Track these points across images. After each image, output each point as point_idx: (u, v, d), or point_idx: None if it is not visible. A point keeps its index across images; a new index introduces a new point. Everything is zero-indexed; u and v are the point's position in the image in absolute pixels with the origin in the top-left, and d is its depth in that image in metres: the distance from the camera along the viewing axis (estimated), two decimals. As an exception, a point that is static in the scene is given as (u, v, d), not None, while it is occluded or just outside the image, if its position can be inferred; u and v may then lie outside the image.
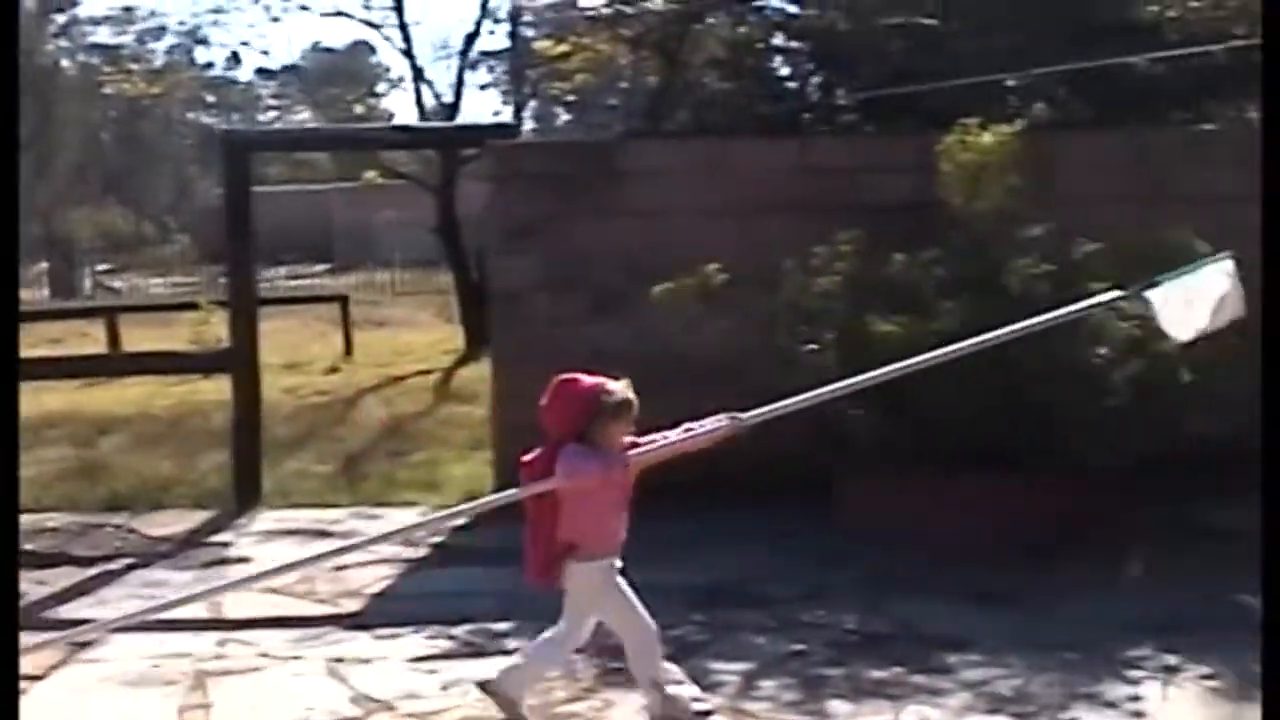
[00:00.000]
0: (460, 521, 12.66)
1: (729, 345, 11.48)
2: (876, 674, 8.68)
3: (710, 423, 7.33)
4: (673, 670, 8.02)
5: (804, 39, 16.33)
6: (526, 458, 7.42)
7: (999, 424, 10.73)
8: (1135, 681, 8.50)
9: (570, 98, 24.86)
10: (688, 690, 7.97)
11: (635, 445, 7.42)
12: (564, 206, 13.25)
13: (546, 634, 7.85)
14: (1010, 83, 14.58)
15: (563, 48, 20.02)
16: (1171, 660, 8.86)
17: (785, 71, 16.79)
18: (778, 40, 16.76)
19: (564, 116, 46.66)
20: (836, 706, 8.18)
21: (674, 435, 7.40)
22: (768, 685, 8.56)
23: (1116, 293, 7.09)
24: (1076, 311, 7.20)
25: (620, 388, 7.43)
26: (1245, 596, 10.05)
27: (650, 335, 12.50)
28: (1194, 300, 6.94)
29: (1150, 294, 7.03)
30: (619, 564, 7.61)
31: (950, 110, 12.07)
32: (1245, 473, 11.69)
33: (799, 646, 9.19)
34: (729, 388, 12.48)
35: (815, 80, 16.38)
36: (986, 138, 11.40)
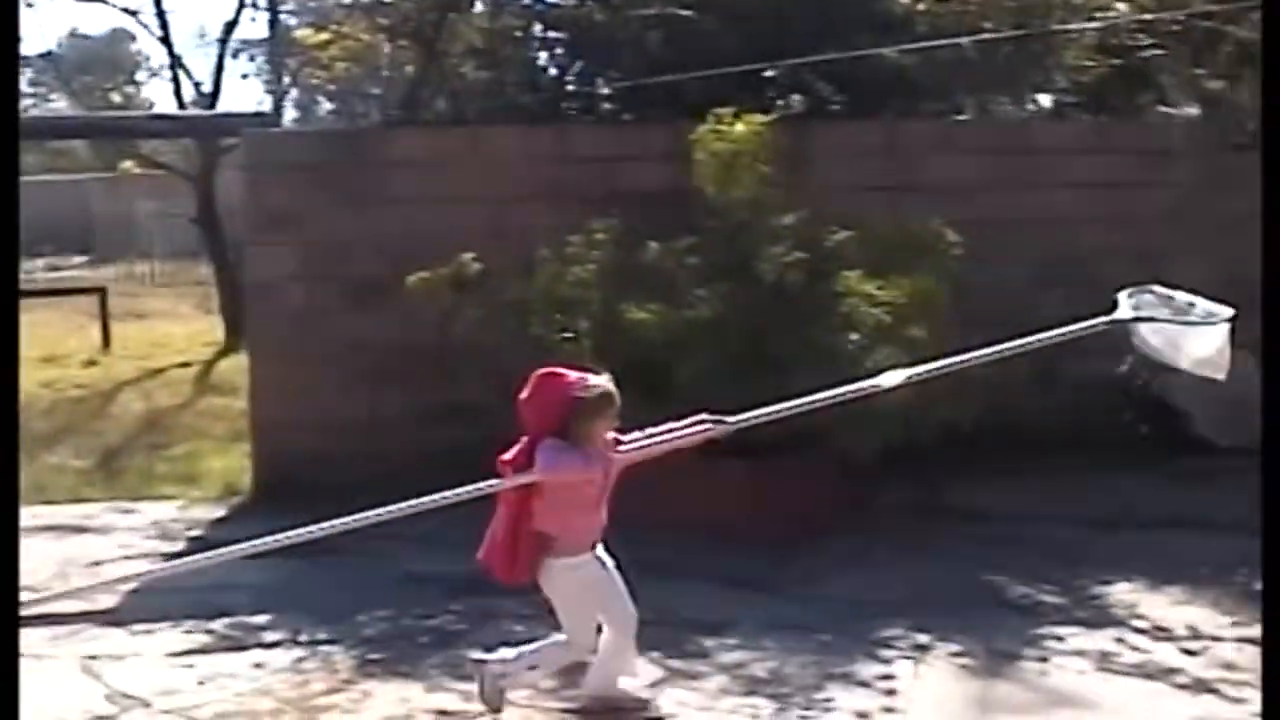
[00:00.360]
0: (221, 514, 12.61)
1: (484, 334, 11.47)
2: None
3: (693, 425, 7.41)
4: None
5: (562, 28, 16.35)
6: (505, 456, 7.29)
7: (756, 408, 10.85)
8: (887, 661, 8.67)
9: (331, 87, 24.60)
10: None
11: (618, 441, 7.39)
12: (321, 196, 13.16)
13: (552, 639, 7.82)
14: (769, 73, 14.72)
15: (322, 36, 19.88)
16: (923, 639, 9.05)
17: (543, 61, 16.81)
18: (536, 30, 16.77)
19: (326, 106, 46.23)
20: (595, 692, 8.23)
21: (658, 434, 7.43)
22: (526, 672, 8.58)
23: (1109, 317, 7.03)
24: (1074, 331, 7.15)
25: (601, 383, 7.36)
26: (994, 575, 10.32)
27: (407, 325, 12.47)
28: (1184, 342, 6.89)
29: (1143, 326, 6.96)
30: (595, 559, 7.60)
31: (707, 100, 12.17)
32: (994, 455, 12.03)
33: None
34: (484, 377, 12.57)
35: (573, 70, 16.41)
36: (739, 127, 11.51)
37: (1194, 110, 15.95)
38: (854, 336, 10.93)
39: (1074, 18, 14.76)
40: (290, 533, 7.04)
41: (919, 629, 9.18)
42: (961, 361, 7.27)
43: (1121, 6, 14.79)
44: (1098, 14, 14.78)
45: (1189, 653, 8.89)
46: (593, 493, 7.37)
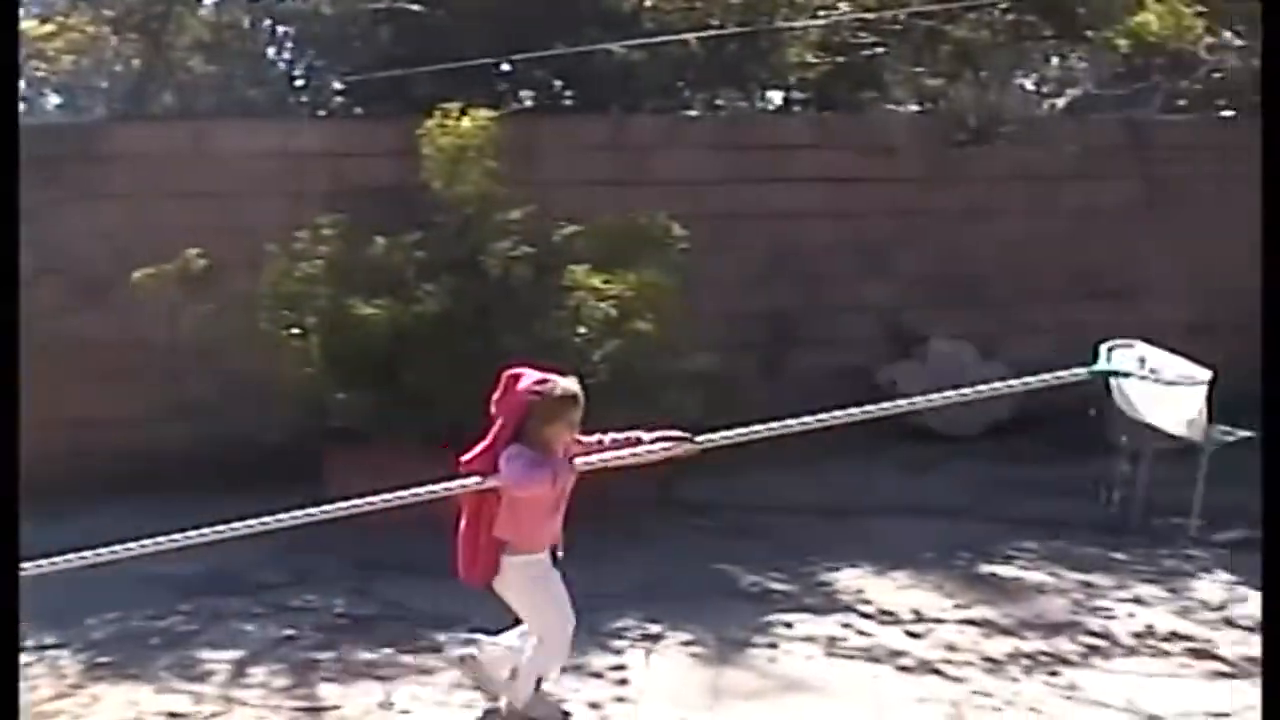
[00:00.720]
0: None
1: (212, 331, 11.32)
2: (367, 655, 8.76)
3: (658, 440, 7.09)
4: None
5: (291, 22, 16.20)
6: (465, 457, 7.10)
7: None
8: (619, 651, 8.74)
9: (57, 80, 24.01)
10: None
11: (580, 444, 7.19)
12: (44, 192, 12.87)
13: (530, 645, 7.58)
14: (500, 69, 14.74)
15: (47, 28, 19.40)
16: (654, 629, 9.17)
17: (272, 55, 16.62)
18: (264, 23, 16.59)
19: (53, 100, 45.20)
20: (327, 690, 8.21)
21: (621, 440, 7.18)
22: (258, 672, 8.54)
23: (1090, 369, 6.87)
24: (1052, 380, 6.98)
25: (563, 386, 7.12)
26: (724, 565, 10.45)
27: (134, 322, 12.29)
28: (1163, 401, 6.77)
29: (1125, 380, 6.82)
30: (548, 559, 7.42)
31: (438, 96, 12.14)
32: (725, 447, 12.17)
33: (289, 632, 9.19)
34: (211, 374, 12.44)
35: (303, 64, 16.28)
36: (466, 123, 11.50)
37: (915, 107, 16.30)
38: (581, 330, 11.01)
39: (798, 15, 14.98)
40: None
41: (650, 619, 9.29)
42: (919, 404, 7.24)
43: (844, 5, 15.04)
44: (820, 12, 15.01)
45: (913, 635, 9.11)
46: (553, 500, 7.21)
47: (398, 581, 10.04)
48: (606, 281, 11.14)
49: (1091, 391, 7.04)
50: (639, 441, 7.13)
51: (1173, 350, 6.85)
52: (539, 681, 7.56)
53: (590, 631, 9.04)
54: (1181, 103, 16.97)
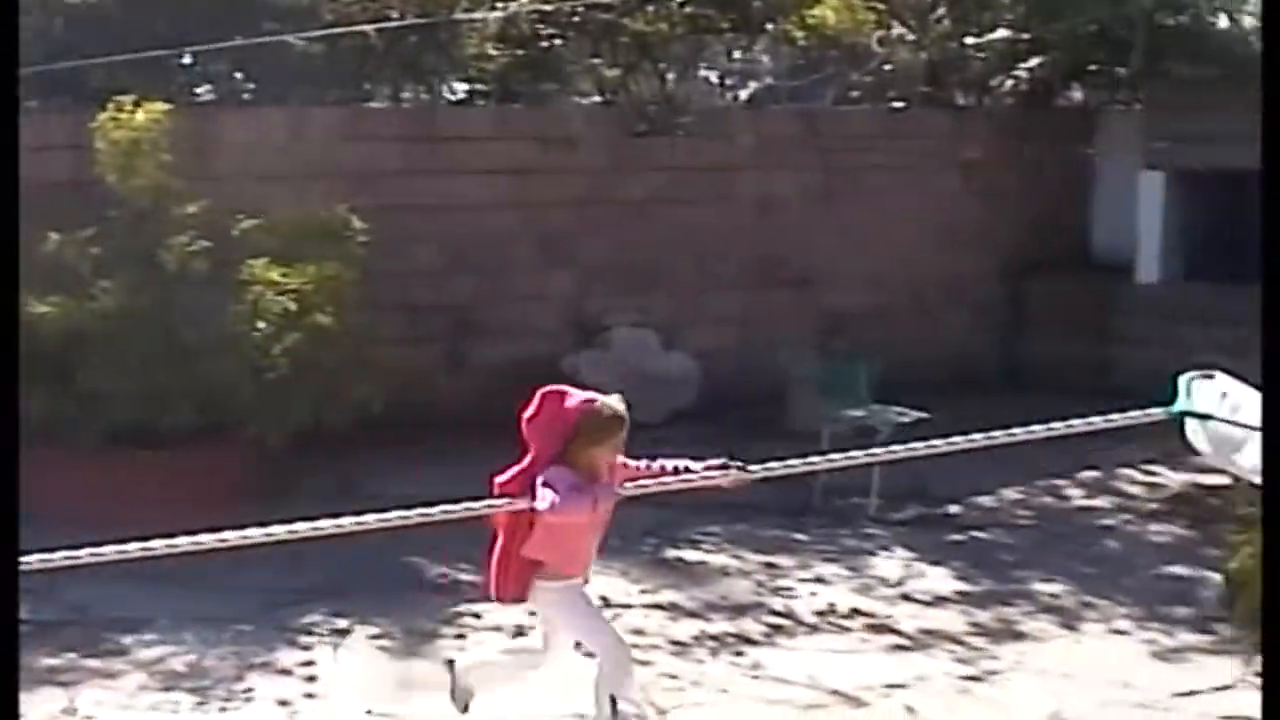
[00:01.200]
0: None
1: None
2: (48, 661, 8.62)
3: (709, 468, 6.71)
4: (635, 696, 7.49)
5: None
6: (501, 478, 6.74)
7: (166, 399, 10.74)
8: (308, 647, 8.72)
9: None
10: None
11: (625, 467, 6.88)
12: None
13: (525, 640, 7.61)
14: (184, 60, 14.51)
15: None
16: (342, 624, 9.16)
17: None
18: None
19: None
20: (9, 698, 8.02)
21: (669, 469, 6.88)
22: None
23: (1164, 410, 6.42)
24: (1127, 419, 6.55)
25: (613, 406, 6.79)
26: (412, 558, 10.44)
27: None
28: (1244, 447, 6.35)
29: (1210, 423, 6.39)
30: (581, 584, 7.17)
31: (115, 88, 11.92)
32: (407, 438, 12.14)
33: (-35, 640, 8.94)
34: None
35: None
36: (140, 116, 11.30)
37: (597, 98, 16.42)
38: (260, 324, 10.94)
39: (476, 7, 14.99)
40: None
41: (338, 614, 9.28)
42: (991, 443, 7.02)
43: (523, -4, 15.10)
44: (499, 4, 15.04)
45: (601, 621, 9.20)
46: (588, 524, 6.87)
47: (81, 585, 9.80)
48: (285, 275, 11.09)
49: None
50: (687, 469, 6.87)
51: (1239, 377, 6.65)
52: (614, 701, 7.29)
53: (278, 628, 9.04)
54: (855, 94, 17.34)
